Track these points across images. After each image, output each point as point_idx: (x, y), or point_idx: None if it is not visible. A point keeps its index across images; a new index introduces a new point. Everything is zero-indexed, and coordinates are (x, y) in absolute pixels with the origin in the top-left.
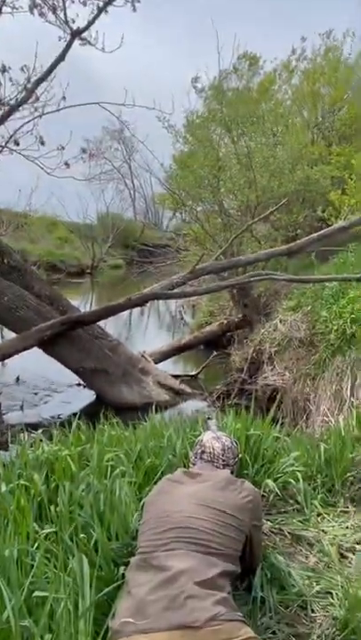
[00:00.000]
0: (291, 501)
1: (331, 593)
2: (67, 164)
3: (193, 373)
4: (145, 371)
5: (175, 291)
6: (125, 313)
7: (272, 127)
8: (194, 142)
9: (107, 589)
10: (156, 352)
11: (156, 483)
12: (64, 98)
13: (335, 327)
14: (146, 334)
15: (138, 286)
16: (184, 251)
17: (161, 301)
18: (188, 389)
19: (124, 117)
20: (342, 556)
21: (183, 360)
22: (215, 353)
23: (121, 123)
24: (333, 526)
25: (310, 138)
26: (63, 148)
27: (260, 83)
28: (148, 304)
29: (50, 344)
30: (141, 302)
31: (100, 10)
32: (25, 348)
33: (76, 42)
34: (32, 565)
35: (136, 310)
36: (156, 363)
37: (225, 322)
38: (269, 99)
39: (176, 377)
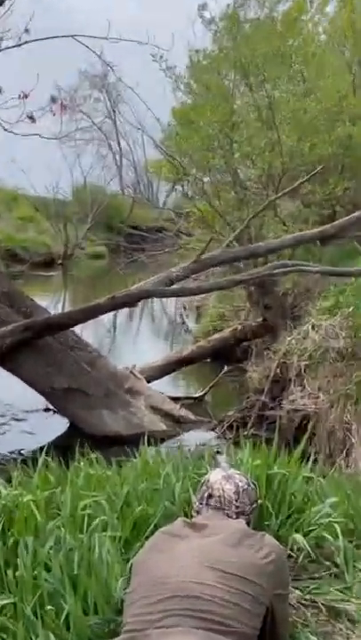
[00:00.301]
0: (327, 563)
1: None
2: (31, 118)
3: (197, 395)
4: (134, 391)
5: (174, 287)
6: (109, 316)
7: (302, 70)
8: (200, 90)
9: None
10: (150, 367)
11: (148, 537)
12: (27, 31)
13: None
14: (136, 344)
15: (125, 281)
16: (186, 235)
17: (156, 301)
18: (192, 416)
19: (108, 58)
20: None
21: (185, 378)
22: (227, 368)
23: (103, 63)
24: None
25: (353, 84)
26: (26, 96)
27: (286, 12)
28: (138, 304)
29: (9, 356)
30: (130, 302)
31: None
32: None
33: None
34: None
35: (123, 313)
36: (148, 381)
37: (239, 328)
38: (298, 32)
39: (175, 400)
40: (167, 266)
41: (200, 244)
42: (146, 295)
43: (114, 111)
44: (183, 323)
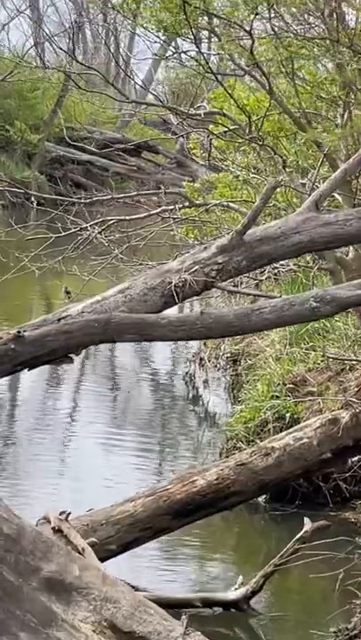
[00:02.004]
0: None
1: None
2: None
3: (235, 595)
4: (67, 586)
5: (173, 315)
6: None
7: None
8: None
9: None
10: (108, 516)
11: None
12: None
13: None
14: (66, 454)
15: (46, 290)
16: (209, 168)
17: (134, 347)
18: None
19: None
20: None
21: (199, 542)
22: (311, 525)
23: None
24: None
25: None
26: None
27: None
28: (80, 355)
29: None
30: (58, 351)
31: None
32: None
33: None
34: None
35: (35, 377)
36: (105, 556)
37: (348, 417)
38: None
39: (176, 606)
40: (156, 254)
41: (242, 194)
42: (103, 335)
43: None
44: (195, 393)
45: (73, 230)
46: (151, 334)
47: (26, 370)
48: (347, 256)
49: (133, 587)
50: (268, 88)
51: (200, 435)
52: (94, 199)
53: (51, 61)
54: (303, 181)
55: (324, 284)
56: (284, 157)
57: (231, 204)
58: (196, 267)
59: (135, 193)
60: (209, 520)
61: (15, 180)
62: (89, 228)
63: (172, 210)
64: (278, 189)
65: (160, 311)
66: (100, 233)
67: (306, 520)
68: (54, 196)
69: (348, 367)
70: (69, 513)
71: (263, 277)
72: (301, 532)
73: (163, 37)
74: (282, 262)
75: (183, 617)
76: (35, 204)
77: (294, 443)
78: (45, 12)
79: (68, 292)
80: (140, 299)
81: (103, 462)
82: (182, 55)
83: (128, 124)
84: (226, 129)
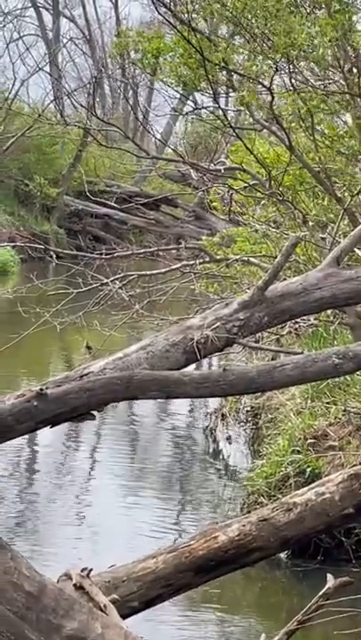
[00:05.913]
0: None
1: None
2: None
3: None
4: None
5: (190, 373)
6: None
7: None
8: None
9: None
10: (129, 572)
11: None
12: None
13: None
14: (83, 506)
15: (66, 344)
16: (230, 222)
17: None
18: None
19: None
20: None
21: (223, 595)
22: (334, 582)
23: None
24: None
25: None
26: None
27: None
28: (102, 411)
29: None
30: (81, 408)
31: None
32: None
33: None
34: None
35: (55, 432)
36: (127, 613)
37: None
38: None
39: None
40: (176, 308)
41: (262, 248)
42: (125, 393)
43: None
44: (216, 446)
45: (94, 285)
46: (174, 391)
47: (48, 427)
48: None
49: None
50: (287, 143)
51: (221, 489)
52: (114, 255)
53: (70, 116)
54: (323, 236)
55: (344, 338)
56: (305, 212)
57: (252, 259)
58: (218, 323)
59: (155, 248)
60: (231, 576)
61: (34, 233)
62: (110, 284)
63: (192, 265)
64: (299, 244)
65: (182, 368)
66: (120, 288)
67: (329, 576)
68: (74, 252)
69: None
70: (91, 569)
71: (284, 332)
72: (324, 589)
73: (181, 92)
74: (303, 317)
75: None
76: (54, 258)
77: (316, 498)
78: (64, 67)
79: (89, 348)
80: (162, 355)
81: (124, 517)
82: (201, 110)
83: (146, 177)
84: (246, 184)
